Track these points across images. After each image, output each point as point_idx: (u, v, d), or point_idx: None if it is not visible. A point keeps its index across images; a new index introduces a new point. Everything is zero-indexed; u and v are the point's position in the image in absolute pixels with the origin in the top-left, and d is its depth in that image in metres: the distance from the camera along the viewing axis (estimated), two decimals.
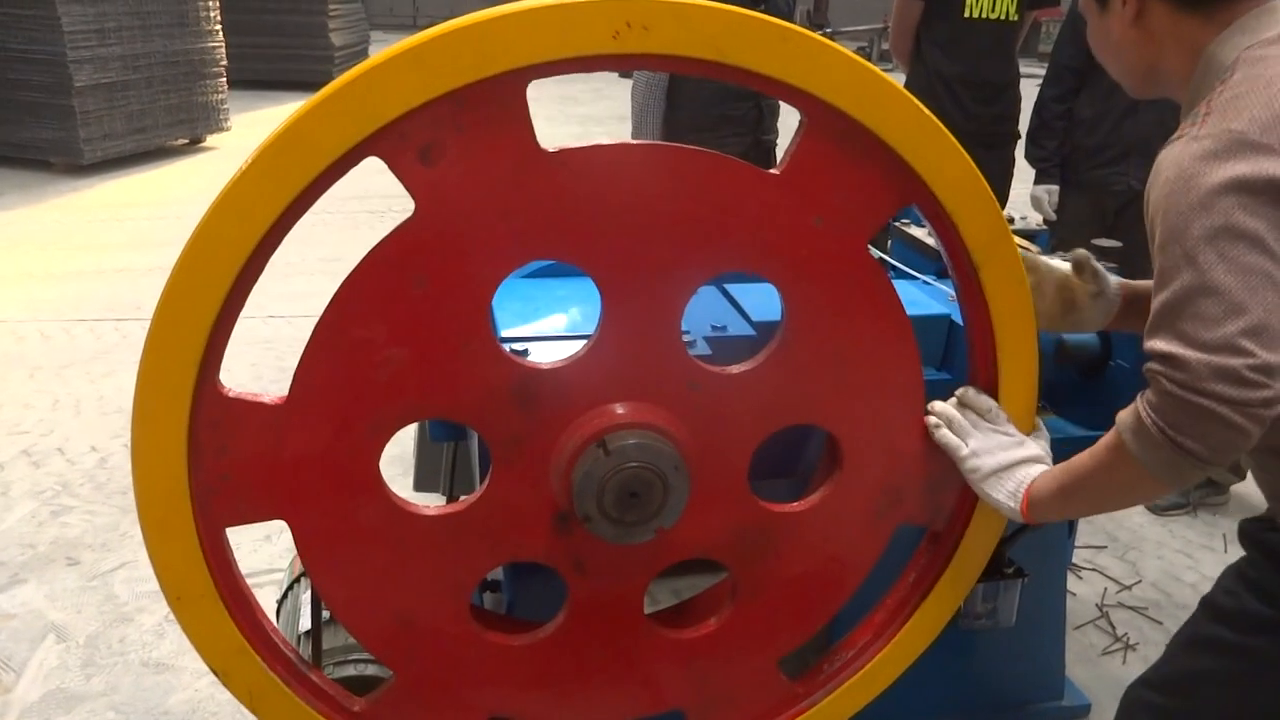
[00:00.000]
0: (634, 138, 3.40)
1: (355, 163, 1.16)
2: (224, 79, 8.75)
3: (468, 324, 1.24)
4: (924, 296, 1.81)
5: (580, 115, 10.63)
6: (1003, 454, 1.39)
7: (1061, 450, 1.83)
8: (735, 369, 1.34)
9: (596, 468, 1.26)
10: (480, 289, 1.23)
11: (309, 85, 11.69)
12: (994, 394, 1.45)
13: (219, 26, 8.68)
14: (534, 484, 1.33)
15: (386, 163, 1.16)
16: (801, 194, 1.27)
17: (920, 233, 2.05)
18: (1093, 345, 1.86)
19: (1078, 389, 1.90)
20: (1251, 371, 1.07)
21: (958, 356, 1.74)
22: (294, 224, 1.19)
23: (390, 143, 1.15)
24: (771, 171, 1.26)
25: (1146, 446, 1.15)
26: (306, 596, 1.76)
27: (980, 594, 1.99)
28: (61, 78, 7.16)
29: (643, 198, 1.22)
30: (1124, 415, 1.19)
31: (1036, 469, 1.38)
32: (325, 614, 1.63)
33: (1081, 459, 1.28)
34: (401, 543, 1.34)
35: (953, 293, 1.85)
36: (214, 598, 1.30)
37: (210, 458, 1.23)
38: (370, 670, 1.61)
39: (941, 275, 1.97)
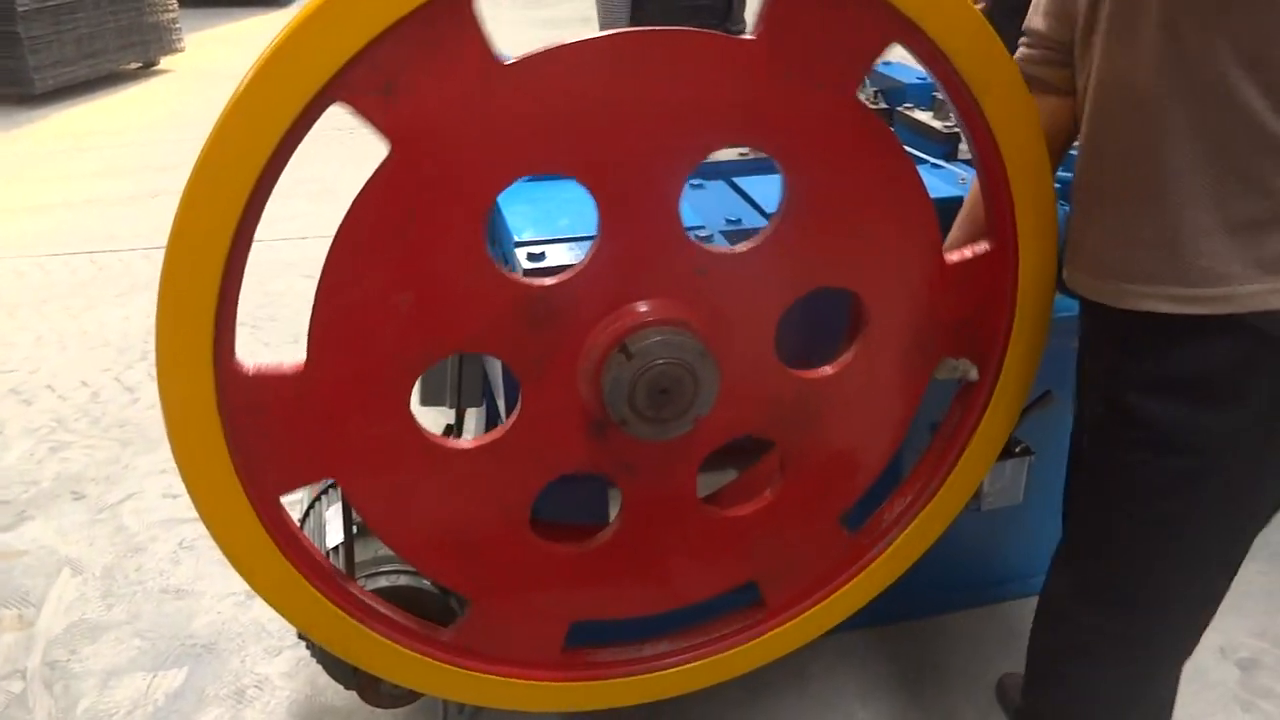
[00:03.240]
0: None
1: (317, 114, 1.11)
2: None
3: (465, 255, 1.21)
4: (935, 179, 1.79)
5: (544, 19, 10.32)
6: None
7: (1064, 325, 1.86)
8: (741, 247, 1.32)
9: (623, 372, 1.25)
10: (469, 218, 1.19)
11: (261, 1, 11.27)
12: (1014, 244, 1.42)
13: None
14: (565, 398, 1.33)
15: (350, 105, 1.11)
16: (778, 53, 1.21)
17: (925, 116, 2.02)
18: None
19: None
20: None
21: None
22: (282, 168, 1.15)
23: (350, 83, 1.09)
24: (745, 38, 1.21)
25: None
26: (330, 512, 1.76)
27: (991, 473, 2.03)
28: (3, 2, 6.85)
29: (615, 91, 1.17)
30: None
31: None
32: (355, 528, 1.64)
33: None
34: (448, 479, 1.36)
35: (963, 174, 1.83)
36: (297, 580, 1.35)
37: (247, 436, 1.24)
38: (403, 581, 1.63)
39: (950, 158, 1.94)
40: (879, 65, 2.36)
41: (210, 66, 8.42)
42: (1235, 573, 1.42)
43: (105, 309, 3.99)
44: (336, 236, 1.17)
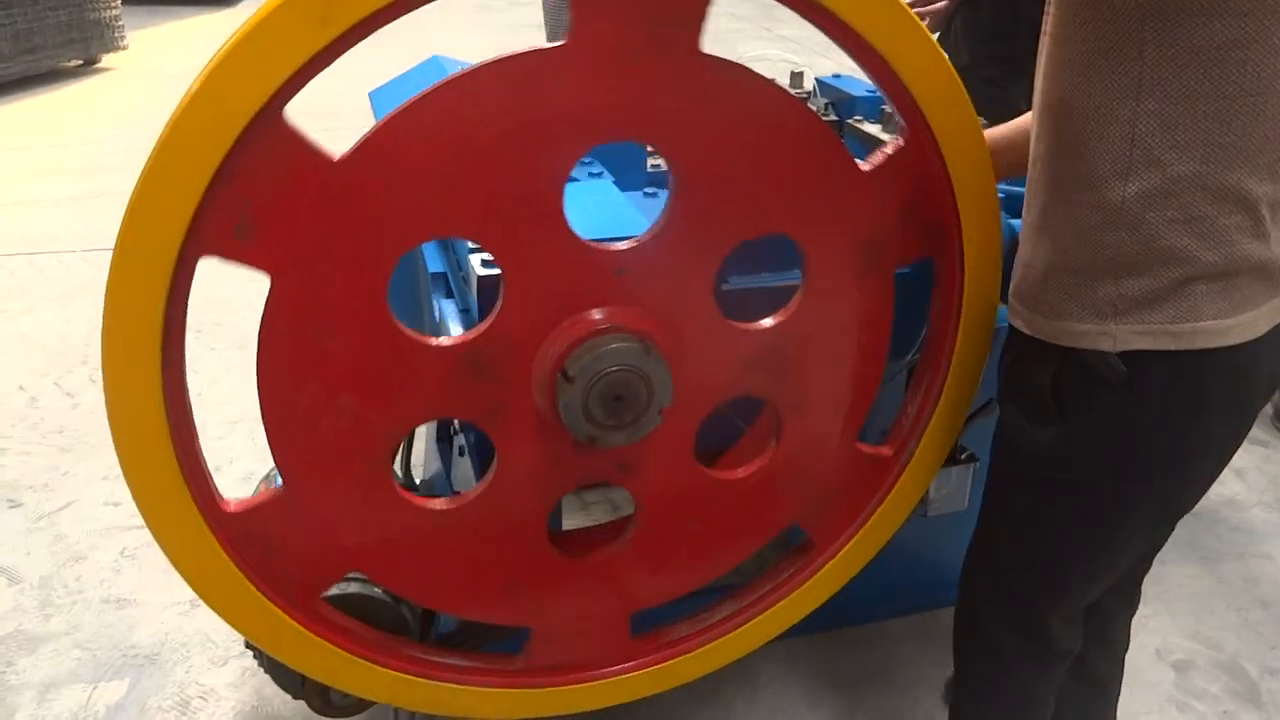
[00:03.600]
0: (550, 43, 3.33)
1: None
2: None
3: (383, 342, 1.23)
4: None
5: (497, 24, 10.30)
6: None
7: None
8: (648, 234, 1.30)
9: (571, 396, 1.26)
10: (372, 309, 1.21)
11: None
12: (960, 264, 1.46)
13: None
14: (537, 432, 1.34)
15: (217, 257, 1.14)
16: (594, 46, 1.18)
17: (874, 129, 2.06)
18: None
19: None
20: None
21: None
22: None
23: (205, 239, 1.12)
24: (557, 44, 1.19)
25: None
26: None
27: (937, 480, 2.07)
28: None
29: (454, 139, 1.16)
30: None
31: None
32: None
33: None
34: (453, 536, 1.40)
35: None
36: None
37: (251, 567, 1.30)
38: (353, 589, 1.61)
39: None
40: (829, 78, 2.41)
41: (154, 65, 8.26)
42: (1089, 586, 1.49)
43: (44, 312, 3.89)
44: (258, 369, 1.21)
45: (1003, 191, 1.85)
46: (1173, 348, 1.21)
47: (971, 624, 1.63)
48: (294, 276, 1.17)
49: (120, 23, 8.31)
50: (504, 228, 1.22)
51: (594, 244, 1.28)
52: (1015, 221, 1.88)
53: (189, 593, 1.31)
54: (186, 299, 1.16)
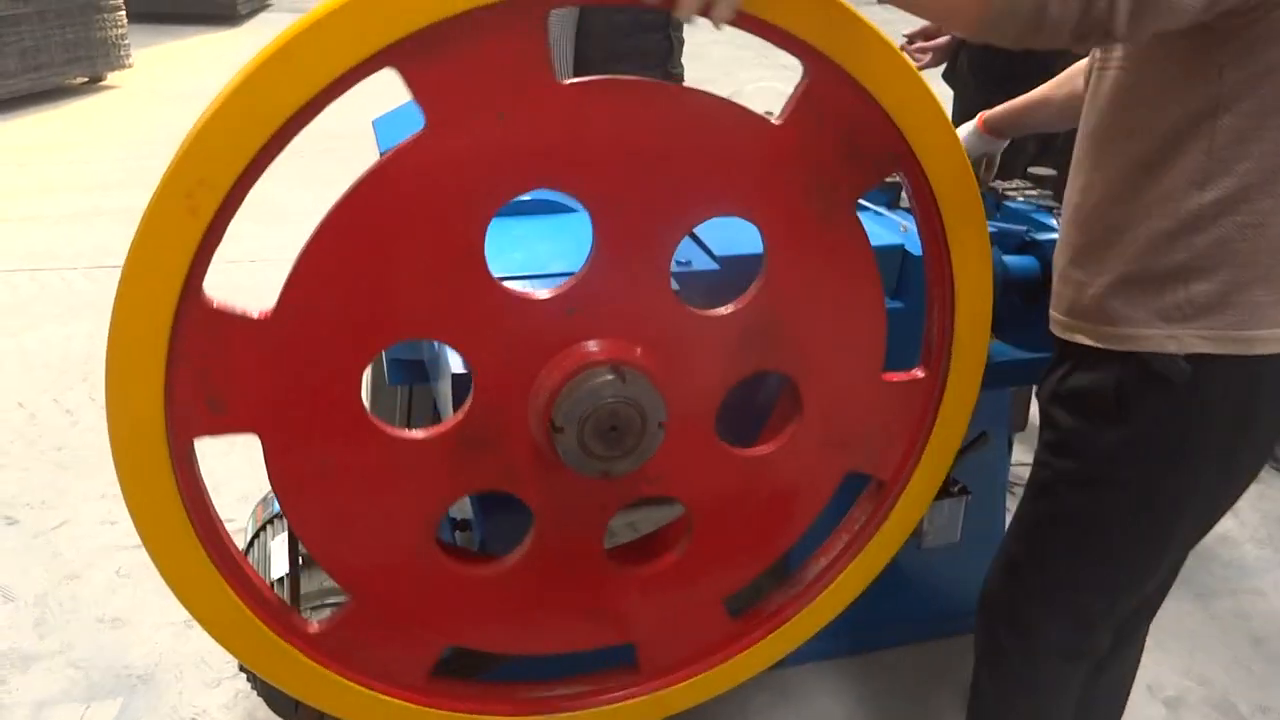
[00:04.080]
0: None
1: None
2: (123, 12, 8.27)
3: (381, 448, 1.28)
4: (878, 227, 1.86)
5: None
6: None
7: (1002, 371, 1.94)
8: (588, 263, 1.31)
9: (568, 444, 1.29)
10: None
11: (212, 19, 11.16)
12: (951, 322, 1.50)
13: None
14: (557, 477, 1.38)
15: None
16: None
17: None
18: (1034, 272, 1.93)
19: (1018, 314, 1.98)
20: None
21: (911, 285, 1.79)
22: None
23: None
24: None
25: None
26: (275, 543, 1.76)
27: (930, 512, 2.09)
28: None
29: (374, 243, 1.20)
30: None
31: None
32: (300, 558, 1.64)
33: None
34: (534, 587, 1.46)
35: (904, 222, 1.90)
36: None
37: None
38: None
39: (893, 206, 2.02)
40: None
41: (158, 84, 8.32)
42: (1120, 597, 1.57)
43: (47, 328, 3.91)
44: (288, 519, 1.28)
45: (994, 228, 1.90)
46: (1234, 352, 1.32)
47: (1011, 626, 1.65)
48: (278, 428, 1.24)
49: (126, 41, 8.36)
50: (441, 318, 1.26)
51: (535, 294, 1.29)
52: (1011, 259, 1.93)
53: (183, 613, 1.32)
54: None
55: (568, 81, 1.18)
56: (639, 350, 1.32)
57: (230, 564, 1.33)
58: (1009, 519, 1.72)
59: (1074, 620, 1.59)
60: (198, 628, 1.34)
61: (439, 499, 1.38)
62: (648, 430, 1.32)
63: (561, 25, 3.31)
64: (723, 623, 1.62)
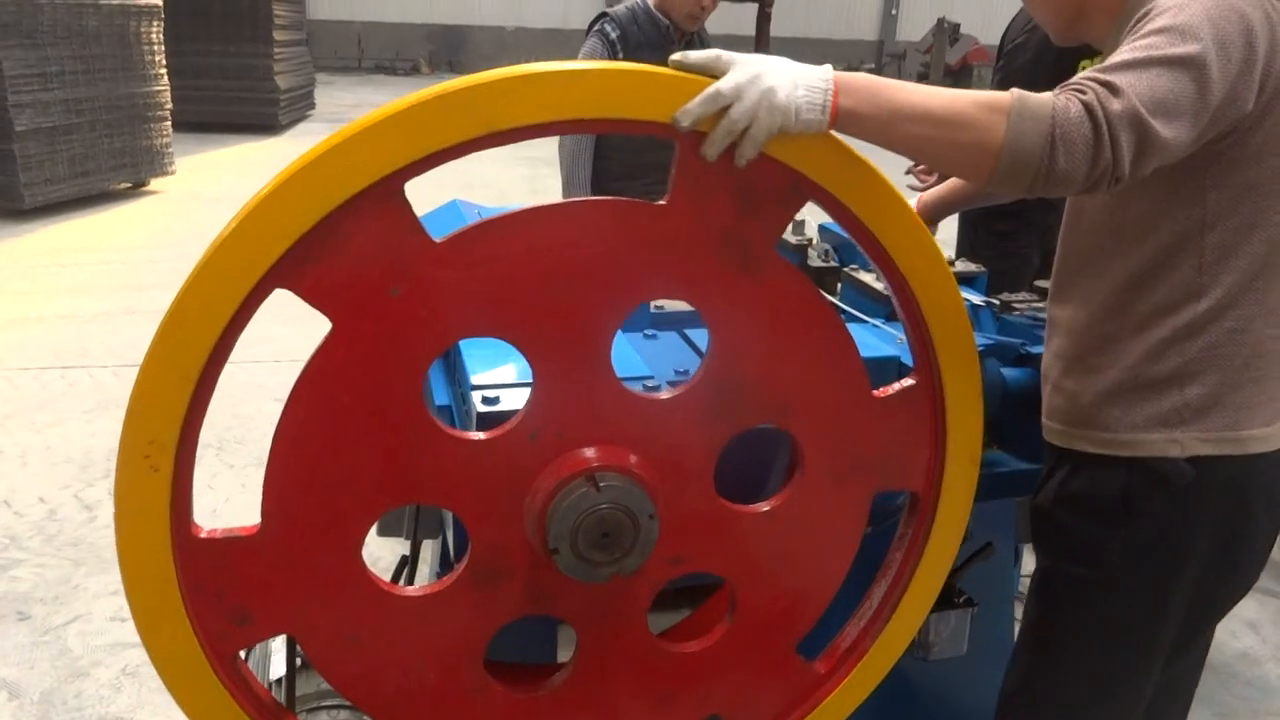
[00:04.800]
0: (565, 187, 3.48)
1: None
2: (168, 122, 8.71)
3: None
4: (873, 339, 1.90)
5: (530, 157, 10.71)
6: (789, 64, 1.26)
7: (1007, 481, 1.95)
8: (534, 388, 1.36)
9: (570, 563, 1.33)
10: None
11: (254, 128, 11.67)
12: (944, 430, 1.54)
13: (164, 70, 8.65)
14: (585, 591, 1.42)
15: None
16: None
17: (868, 277, 2.14)
18: (1033, 383, 1.96)
19: (1019, 425, 2.00)
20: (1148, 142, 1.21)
21: None
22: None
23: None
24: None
25: (1027, 118, 1.20)
26: (275, 644, 1.77)
27: (933, 624, 2.07)
28: (2, 122, 7.07)
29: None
30: (1031, 94, 1.24)
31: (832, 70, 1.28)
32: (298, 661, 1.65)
33: (937, 90, 1.28)
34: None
35: (900, 335, 1.95)
36: None
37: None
38: (343, 716, 1.63)
39: (890, 319, 2.06)
40: (831, 223, 2.51)
41: (198, 189, 8.65)
42: (1129, 697, 1.57)
43: (71, 424, 4.00)
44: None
45: (990, 340, 1.93)
46: (1231, 452, 1.40)
47: None
48: (305, 623, 1.35)
49: (170, 149, 8.75)
50: (412, 483, 1.34)
51: (490, 434, 1.35)
52: (1009, 371, 1.96)
53: (185, 715, 1.34)
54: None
55: (441, 239, 1.24)
56: (608, 453, 1.35)
57: (235, 676, 1.38)
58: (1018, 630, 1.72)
59: (1089, 717, 1.59)
60: None
61: (476, 638, 1.43)
62: (640, 525, 1.35)
63: (576, 143, 3.44)
64: (802, 670, 1.63)
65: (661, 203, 1.30)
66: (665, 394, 1.41)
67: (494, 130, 1.20)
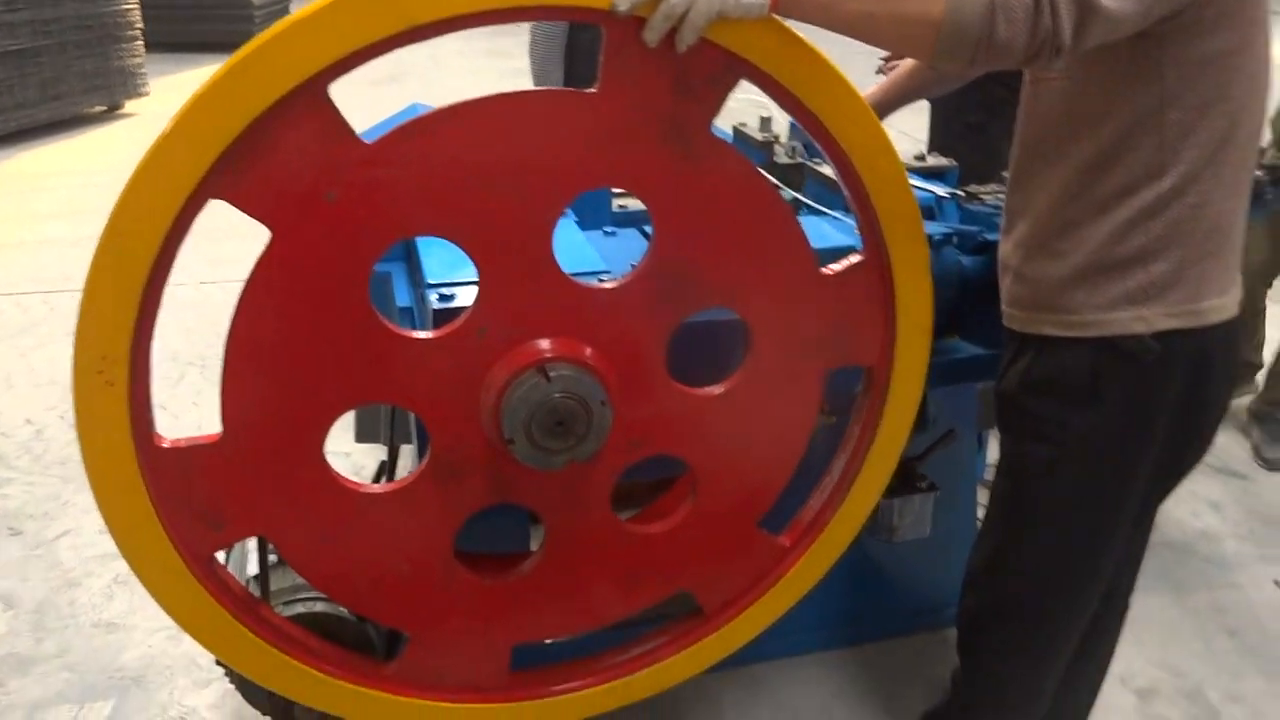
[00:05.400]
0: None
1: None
2: (140, 42, 8.49)
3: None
4: (832, 230, 1.91)
5: (512, 69, 10.50)
6: None
7: (966, 366, 1.98)
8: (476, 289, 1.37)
9: (527, 451, 1.37)
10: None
11: (229, 46, 11.25)
12: (893, 303, 1.56)
13: None
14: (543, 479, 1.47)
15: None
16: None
17: (830, 170, 2.14)
18: (992, 271, 1.98)
19: (977, 312, 2.02)
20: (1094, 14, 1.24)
21: None
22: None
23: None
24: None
25: None
26: (252, 543, 1.82)
27: (897, 508, 2.12)
28: None
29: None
30: None
31: None
32: (271, 558, 1.70)
33: None
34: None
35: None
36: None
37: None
38: (319, 607, 1.68)
39: (850, 209, 2.07)
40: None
41: (174, 111, 8.48)
42: (1098, 568, 1.64)
43: (55, 347, 4.01)
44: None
45: (948, 228, 1.94)
46: (1193, 325, 1.44)
47: (998, 603, 1.72)
48: (277, 525, 1.40)
49: (143, 70, 8.56)
50: (367, 384, 1.37)
51: (439, 332, 1.37)
52: (968, 259, 1.97)
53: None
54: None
55: (373, 139, 1.24)
56: (557, 343, 1.38)
57: (209, 572, 1.44)
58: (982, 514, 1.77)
59: (1074, 586, 1.66)
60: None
61: (444, 530, 1.47)
62: (593, 411, 1.38)
63: (548, 44, 3.37)
64: (767, 544, 1.69)
65: (592, 91, 1.30)
66: (611, 283, 1.42)
67: (415, 24, 1.18)
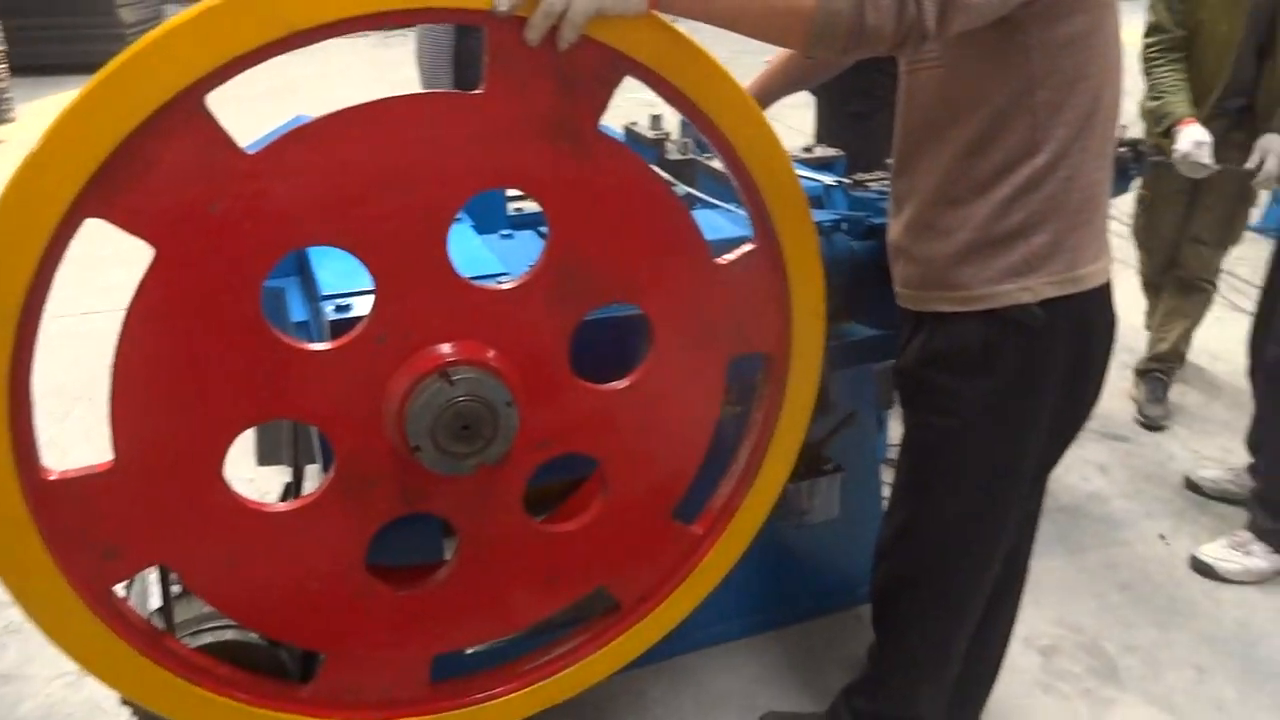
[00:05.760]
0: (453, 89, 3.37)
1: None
2: (5, 65, 8.11)
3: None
4: (724, 222, 1.94)
5: (403, 79, 10.36)
6: None
7: (863, 348, 2.04)
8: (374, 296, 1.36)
9: (434, 459, 1.36)
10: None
11: (99, 68, 10.91)
12: (787, 289, 1.60)
13: None
14: (462, 490, 1.47)
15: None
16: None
17: (721, 164, 2.18)
18: (883, 254, 2.04)
19: (870, 295, 2.08)
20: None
21: None
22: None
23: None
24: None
25: None
26: (152, 576, 1.76)
27: (805, 492, 2.17)
28: None
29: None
30: None
31: None
32: (175, 589, 1.65)
33: None
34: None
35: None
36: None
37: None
38: (229, 635, 1.64)
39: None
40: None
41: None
42: (1001, 530, 1.72)
43: None
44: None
45: (836, 215, 2.00)
46: (1073, 291, 1.53)
47: (911, 576, 1.79)
48: (174, 551, 1.35)
49: (8, 95, 8.18)
50: (262, 401, 1.33)
51: (335, 344, 1.35)
52: (858, 244, 2.03)
53: (76, 664, 1.35)
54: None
55: (254, 150, 1.22)
56: (458, 347, 1.37)
57: (110, 608, 1.38)
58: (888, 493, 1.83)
59: (985, 553, 1.73)
60: (91, 677, 1.37)
61: (353, 544, 1.44)
62: (499, 413, 1.38)
63: (435, 51, 3.33)
64: (680, 535, 1.71)
65: (477, 92, 1.30)
66: (509, 284, 1.43)
67: (294, 29, 1.16)
